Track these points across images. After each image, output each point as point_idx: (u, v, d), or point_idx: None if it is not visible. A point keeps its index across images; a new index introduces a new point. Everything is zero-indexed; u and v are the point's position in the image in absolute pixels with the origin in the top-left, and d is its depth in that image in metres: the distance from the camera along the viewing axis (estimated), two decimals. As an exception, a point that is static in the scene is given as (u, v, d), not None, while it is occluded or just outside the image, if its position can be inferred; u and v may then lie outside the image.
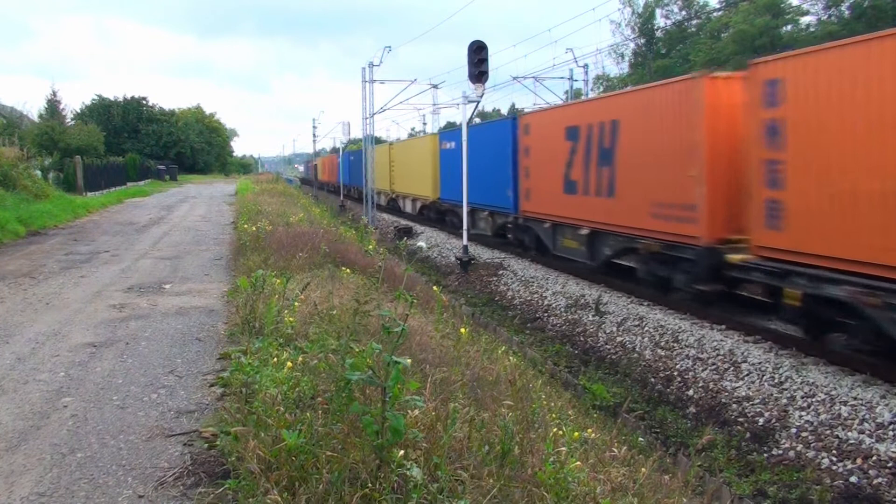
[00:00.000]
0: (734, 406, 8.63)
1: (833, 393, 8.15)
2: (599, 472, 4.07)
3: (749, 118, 9.95)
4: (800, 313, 9.42)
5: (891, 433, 7.14)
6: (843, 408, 7.81)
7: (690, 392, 9.35)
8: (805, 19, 46.57)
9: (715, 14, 53.00)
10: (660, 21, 59.13)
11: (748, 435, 7.96)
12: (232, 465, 3.83)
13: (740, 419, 8.34)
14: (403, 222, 31.40)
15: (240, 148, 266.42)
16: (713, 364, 9.78)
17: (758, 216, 9.74)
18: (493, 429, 3.96)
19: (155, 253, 13.58)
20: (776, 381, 8.81)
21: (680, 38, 56.70)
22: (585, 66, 31.46)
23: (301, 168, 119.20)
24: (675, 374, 9.94)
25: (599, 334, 12.23)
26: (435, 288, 11.90)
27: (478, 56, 17.66)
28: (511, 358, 8.04)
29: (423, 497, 3.19)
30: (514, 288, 16.46)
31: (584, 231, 15.06)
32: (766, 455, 7.51)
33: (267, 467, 3.46)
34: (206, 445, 4.30)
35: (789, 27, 46.21)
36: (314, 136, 65.49)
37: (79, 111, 67.20)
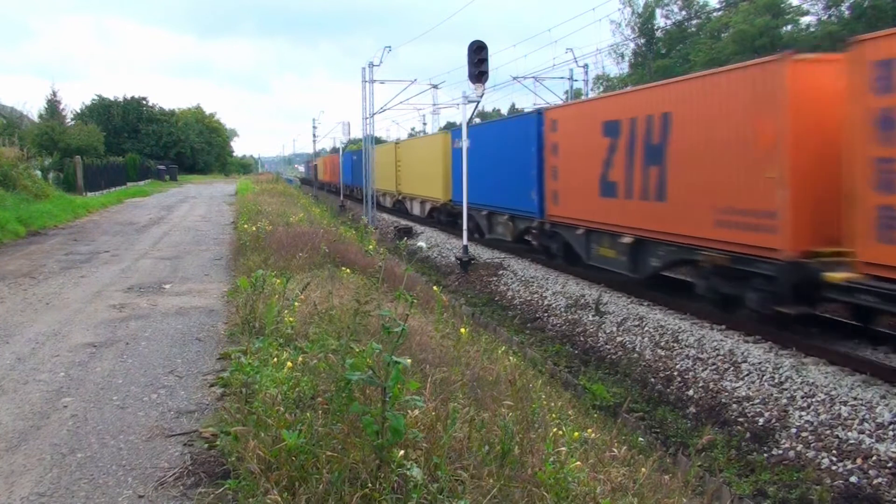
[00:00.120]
0: (734, 406, 8.63)
1: (833, 393, 8.15)
2: (599, 472, 4.07)
3: (853, 107, 8.27)
4: None
5: (891, 433, 7.14)
6: (843, 408, 7.81)
7: (690, 392, 9.35)
8: (805, 19, 46.59)
9: (715, 14, 52.97)
10: (660, 21, 59.16)
11: (748, 435, 7.96)
12: (232, 465, 3.83)
13: (740, 419, 8.34)
14: (403, 222, 31.20)
15: (240, 148, 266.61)
16: (713, 364, 9.78)
17: (866, 226, 8.11)
18: (493, 429, 3.96)
19: (155, 253, 13.59)
20: (776, 381, 8.81)
21: (680, 38, 56.65)
22: (585, 66, 31.56)
23: (301, 168, 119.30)
24: (675, 374, 9.94)
25: (599, 334, 12.23)
26: (435, 288, 11.89)
27: (478, 56, 17.67)
28: (511, 358, 8.04)
29: (423, 497, 3.19)
30: (514, 288, 16.46)
31: (627, 239, 13.26)
32: (766, 455, 7.50)
33: (267, 467, 3.47)
34: (206, 445, 4.30)
35: (789, 27, 46.17)
36: (314, 136, 65.80)
37: (79, 111, 67.35)
